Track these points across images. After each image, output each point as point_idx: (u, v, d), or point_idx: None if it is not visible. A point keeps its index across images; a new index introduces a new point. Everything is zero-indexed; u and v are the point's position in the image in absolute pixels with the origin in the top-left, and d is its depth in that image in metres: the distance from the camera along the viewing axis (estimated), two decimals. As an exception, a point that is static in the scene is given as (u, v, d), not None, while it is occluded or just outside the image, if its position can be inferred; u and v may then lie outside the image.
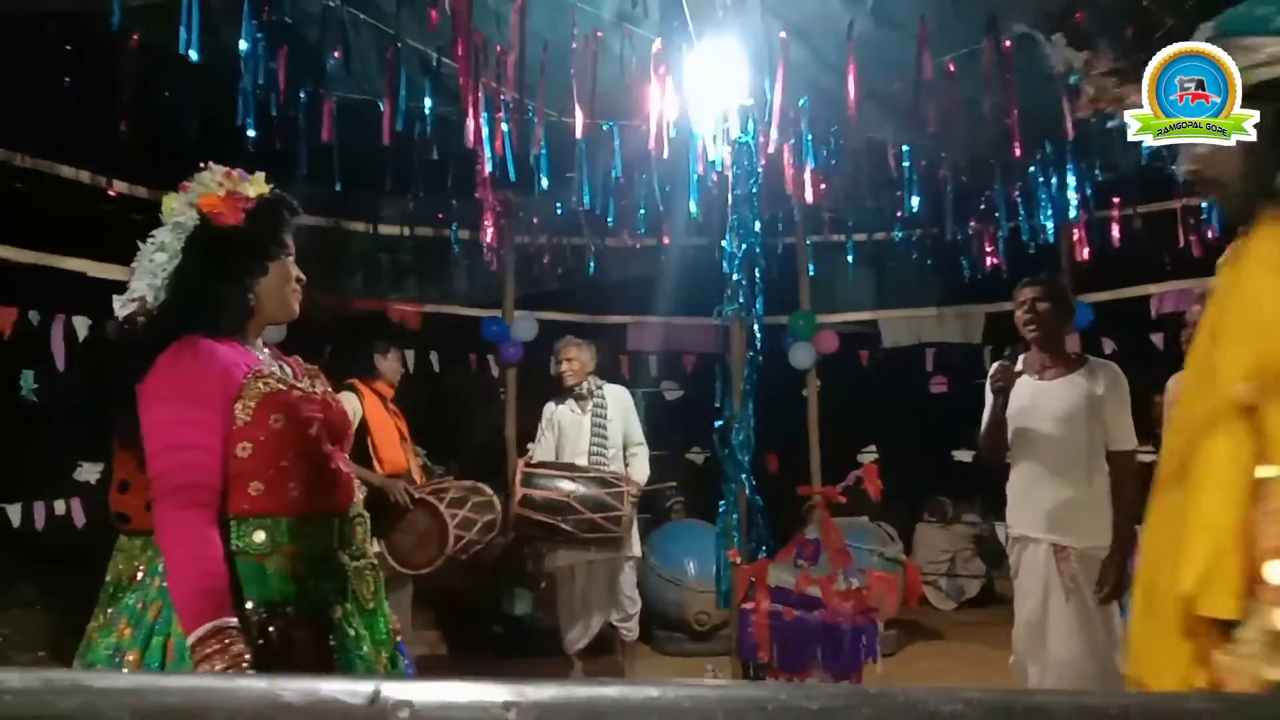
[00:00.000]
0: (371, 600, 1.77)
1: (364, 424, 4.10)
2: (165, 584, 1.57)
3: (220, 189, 1.73)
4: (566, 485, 4.30)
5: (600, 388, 4.70)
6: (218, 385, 1.61)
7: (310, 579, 1.65)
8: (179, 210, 1.73)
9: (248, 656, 1.50)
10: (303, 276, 1.82)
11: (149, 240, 1.74)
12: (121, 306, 1.73)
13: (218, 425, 1.60)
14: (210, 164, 1.79)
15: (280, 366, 1.80)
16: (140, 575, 1.68)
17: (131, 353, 1.66)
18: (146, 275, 1.72)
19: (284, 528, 1.64)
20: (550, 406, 4.76)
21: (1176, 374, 3.07)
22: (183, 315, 1.67)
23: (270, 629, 1.57)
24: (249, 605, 1.58)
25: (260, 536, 1.62)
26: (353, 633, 1.68)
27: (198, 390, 1.60)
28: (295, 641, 1.59)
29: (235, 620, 1.51)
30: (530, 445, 4.77)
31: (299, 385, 1.75)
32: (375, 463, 4.11)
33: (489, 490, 4.26)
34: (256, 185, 1.79)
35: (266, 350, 1.82)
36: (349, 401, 4.04)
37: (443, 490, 4.13)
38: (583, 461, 4.53)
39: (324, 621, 1.65)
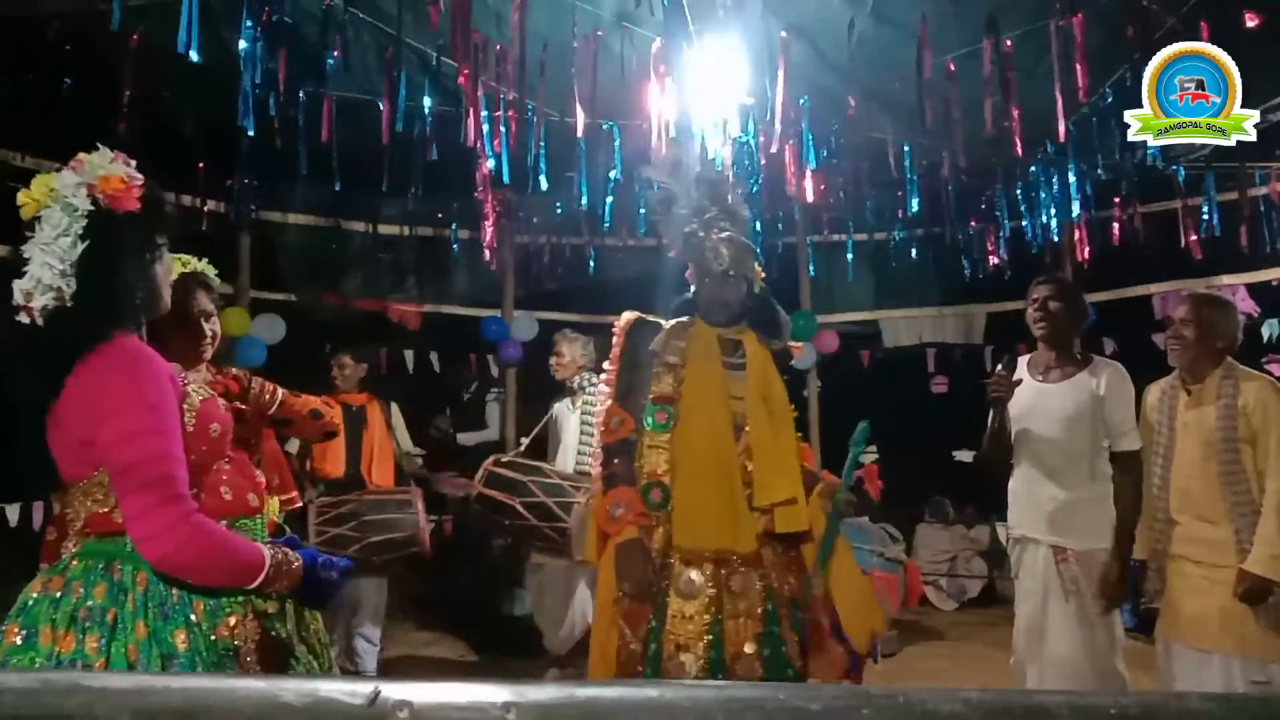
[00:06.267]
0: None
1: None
2: (113, 590, 1.52)
3: (117, 172, 1.60)
4: (520, 489, 4.20)
5: (594, 385, 4.65)
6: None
7: None
8: (68, 190, 1.56)
9: (295, 563, 1.66)
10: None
11: (43, 220, 1.57)
12: (39, 296, 1.54)
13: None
14: (99, 145, 1.63)
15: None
16: (75, 586, 1.54)
17: (54, 351, 1.54)
18: (54, 260, 1.54)
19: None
20: (555, 404, 4.76)
21: (1156, 382, 3.08)
22: (103, 310, 1.56)
23: (233, 625, 1.58)
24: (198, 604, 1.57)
25: None
26: (280, 629, 1.68)
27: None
28: (243, 636, 1.60)
29: (271, 552, 1.62)
30: (523, 440, 4.77)
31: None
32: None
33: (405, 508, 4.07)
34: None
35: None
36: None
37: (332, 506, 3.96)
38: (571, 460, 4.48)
39: (260, 615, 1.66)
